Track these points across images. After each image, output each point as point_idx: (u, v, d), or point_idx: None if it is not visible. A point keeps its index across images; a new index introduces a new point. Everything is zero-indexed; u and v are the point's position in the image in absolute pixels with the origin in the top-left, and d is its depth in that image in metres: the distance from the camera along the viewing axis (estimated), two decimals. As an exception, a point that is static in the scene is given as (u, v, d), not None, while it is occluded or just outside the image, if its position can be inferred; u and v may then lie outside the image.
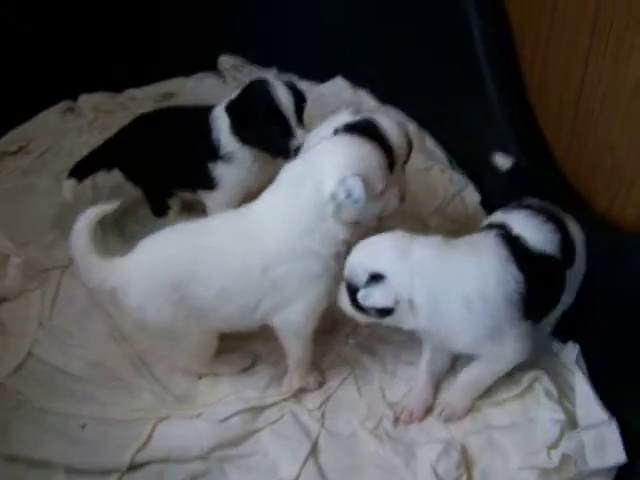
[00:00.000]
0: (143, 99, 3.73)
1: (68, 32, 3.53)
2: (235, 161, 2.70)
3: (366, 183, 2.01)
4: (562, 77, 2.58)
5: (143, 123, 2.94)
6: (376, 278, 1.98)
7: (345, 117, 2.42)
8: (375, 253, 2.03)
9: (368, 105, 3.57)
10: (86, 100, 3.68)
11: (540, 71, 2.73)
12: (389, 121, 2.40)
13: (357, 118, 2.41)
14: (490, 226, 2.20)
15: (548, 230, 2.14)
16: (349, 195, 2.00)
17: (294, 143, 2.53)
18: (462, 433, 2.24)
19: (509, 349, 2.11)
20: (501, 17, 2.95)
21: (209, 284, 2.14)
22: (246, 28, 3.72)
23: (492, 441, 2.21)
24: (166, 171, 2.85)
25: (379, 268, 1.99)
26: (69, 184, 2.90)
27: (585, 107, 2.46)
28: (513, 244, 2.08)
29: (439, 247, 2.05)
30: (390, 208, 2.18)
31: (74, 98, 3.71)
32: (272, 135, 2.56)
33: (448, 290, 2.00)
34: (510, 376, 2.29)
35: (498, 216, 2.24)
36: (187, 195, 2.95)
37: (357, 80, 3.68)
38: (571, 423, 2.18)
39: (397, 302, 1.98)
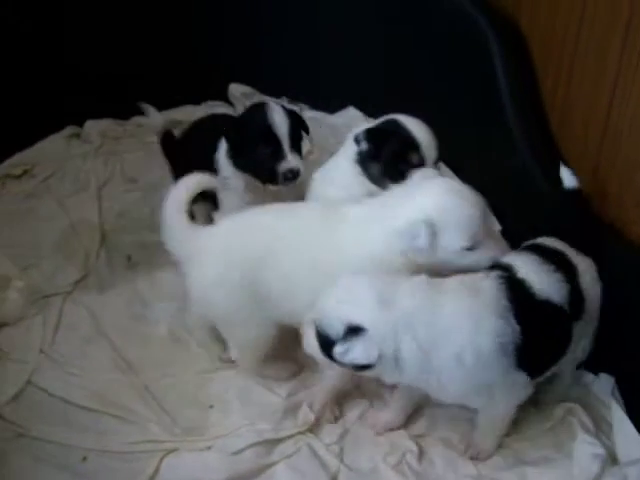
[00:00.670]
0: (150, 126, 3.64)
1: (77, 57, 3.48)
2: (229, 187, 2.63)
3: (443, 234, 1.96)
4: (587, 101, 2.52)
5: (192, 126, 2.96)
6: (355, 331, 1.80)
7: (365, 124, 2.45)
8: (353, 302, 1.83)
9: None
10: (93, 126, 3.61)
11: (563, 96, 2.68)
12: (413, 120, 2.38)
13: (378, 122, 2.43)
14: (494, 266, 2.04)
15: (557, 279, 1.98)
16: (413, 239, 1.94)
17: (283, 166, 2.46)
18: (492, 469, 2.11)
19: (499, 401, 1.98)
20: (521, 46, 2.93)
21: (280, 272, 2.11)
22: (257, 57, 3.68)
23: (526, 477, 2.07)
24: None
25: (358, 320, 1.80)
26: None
27: (613, 129, 2.39)
28: (515, 290, 1.93)
29: (427, 293, 1.87)
30: (478, 266, 2.02)
31: (80, 124, 3.64)
32: (262, 157, 2.48)
33: (438, 344, 1.83)
34: (540, 410, 2.20)
35: (507, 256, 2.09)
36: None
37: (370, 111, 3.61)
38: (611, 458, 2.05)
39: (380, 357, 1.81)
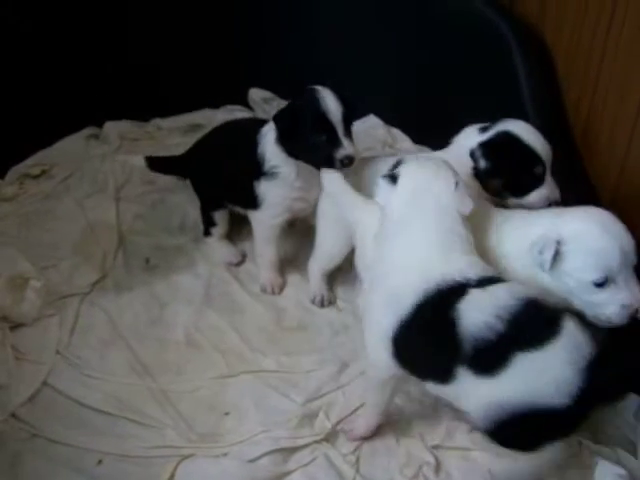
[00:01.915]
0: (170, 129, 3.66)
1: (98, 59, 3.47)
2: (278, 176, 2.61)
3: (571, 259, 1.92)
4: (613, 114, 2.50)
5: (209, 136, 2.97)
6: None
7: (474, 137, 2.37)
8: None
9: (402, 145, 3.48)
10: (112, 127, 3.59)
11: (587, 108, 2.66)
12: (524, 128, 2.33)
13: (490, 134, 2.35)
14: None
15: None
16: (540, 253, 1.95)
17: (340, 153, 2.44)
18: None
19: None
20: (545, 57, 2.91)
21: None
22: (277, 61, 3.65)
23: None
24: (219, 186, 2.84)
25: None
26: (141, 159, 3.08)
27: (638, 143, 2.37)
28: None
29: None
30: (601, 313, 1.94)
31: (99, 125, 3.63)
32: (318, 143, 2.46)
33: None
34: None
35: None
36: (240, 210, 2.88)
37: (390, 119, 3.60)
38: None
39: None
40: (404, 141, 3.51)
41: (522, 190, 2.34)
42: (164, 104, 3.68)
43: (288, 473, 2.15)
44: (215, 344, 2.57)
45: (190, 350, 2.56)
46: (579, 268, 1.90)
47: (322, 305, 2.74)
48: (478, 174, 2.34)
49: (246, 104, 3.78)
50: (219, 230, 2.93)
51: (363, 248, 2.30)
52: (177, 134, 3.62)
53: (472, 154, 2.33)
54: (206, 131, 3.16)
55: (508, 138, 2.32)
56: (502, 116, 2.80)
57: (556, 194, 2.32)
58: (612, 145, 2.49)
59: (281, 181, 2.61)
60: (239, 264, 2.92)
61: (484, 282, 1.82)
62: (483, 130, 2.39)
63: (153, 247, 2.99)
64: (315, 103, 2.45)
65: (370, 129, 3.52)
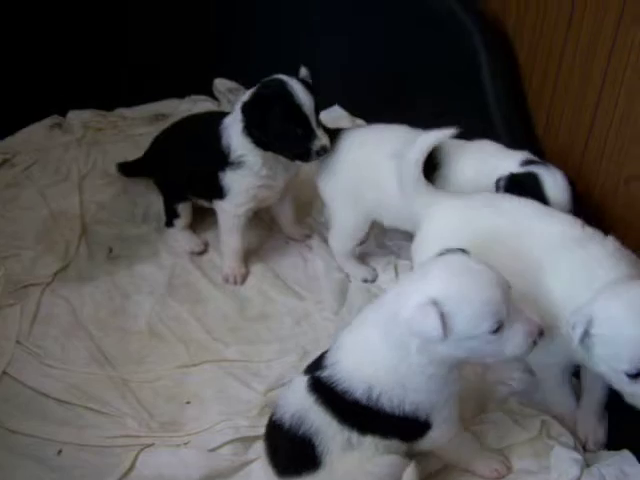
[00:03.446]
0: (134, 119, 3.63)
1: (61, 47, 3.42)
2: (244, 166, 2.62)
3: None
4: (574, 103, 2.55)
5: (167, 131, 2.97)
6: None
7: (512, 165, 2.36)
8: None
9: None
10: (75, 116, 3.56)
11: (550, 97, 2.70)
12: (555, 178, 2.29)
13: (523, 169, 2.34)
14: None
15: None
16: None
17: (316, 144, 2.48)
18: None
19: None
20: (507, 47, 2.95)
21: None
22: (243, 52, 3.64)
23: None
24: (182, 179, 2.84)
25: None
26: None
27: (599, 132, 2.42)
28: None
29: None
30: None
31: (63, 114, 3.59)
32: (292, 136, 2.48)
33: None
34: (518, 422, 2.18)
35: None
36: (204, 203, 2.89)
37: (354, 109, 3.60)
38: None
39: None
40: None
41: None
42: (128, 93, 3.65)
43: (249, 462, 2.16)
44: (177, 334, 2.57)
45: (152, 340, 2.56)
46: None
47: (371, 280, 2.78)
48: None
49: (211, 94, 3.76)
50: (182, 221, 2.93)
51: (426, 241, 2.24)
52: (142, 124, 3.59)
53: (497, 181, 2.35)
54: (171, 121, 3.16)
55: (532, 179, 2.31)
56: (465, 107, 2.84)
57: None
58: (574, 132, 2.53)
59: (247, 170, 2.62)
60: (202, 253, 2.91)
61: None
62: (525, 164, 2.38)
63: (116, 237, 2.97)
64: (287, 95, 2.45)
65: (335, 120, 3.52)
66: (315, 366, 1.92)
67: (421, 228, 2.25)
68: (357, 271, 2.79)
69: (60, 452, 2.19)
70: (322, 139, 2.48)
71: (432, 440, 1.90)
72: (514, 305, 1.74)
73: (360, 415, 1.83)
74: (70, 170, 3.28)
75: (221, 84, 3.73)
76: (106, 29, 3.47)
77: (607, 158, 2.35)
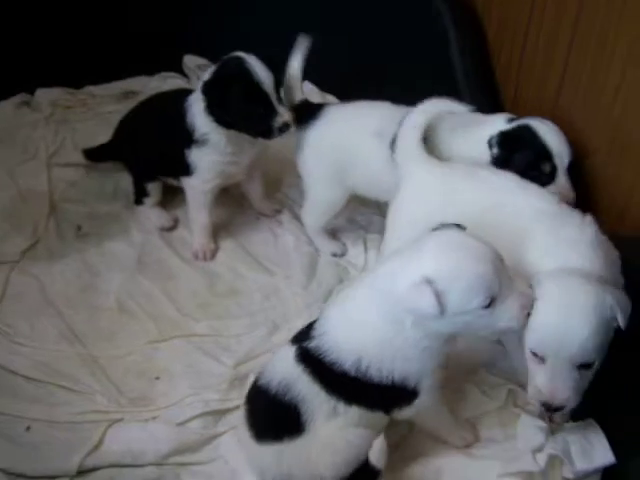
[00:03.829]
0: (103, 96, 3.60)
1: (28, 25, 3.40)
2: (208, 143, 2.62)
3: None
4: (539, 79, 2.59)
5: (134, 110, 2.95)
6: None
7: (500, 124, 2.36)
8: None
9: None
10: (43, 94, 3.52)
11: (516, 73, 2.74)
12: (547, 126, 2.30)
13: (512, 125, 2.34)
14: None
15: None
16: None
17: (278, 121, 2.48)
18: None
19: None
20: (476, 23, 2.96)
21: None
22: (212, 28, 3.62)
23: (472, 455, 2.06)
24: (150, 158, 2.83)
25: None
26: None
27: (562, 108, 2.45)
28: None
29: None
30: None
31: (31, 92, 3.56)
32: (254, 114, 2.48)
33: None
34: (485, 392, 2.22)
35: None
36: (173, 182, 2.89)
37: (325, 85, 3.60)
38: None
39: None
40: (338, 106, 3.50)
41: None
42: (98, 71, 3.61)
43: (218, 435, 2.17)
44: (147, 310, 2.57)
45: (122, 316, 2.55)
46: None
47: (340, 255, 2.80)
48: (493, 161, 2.34)
49: (181, 71, 3.74)
50: (152, 200, 2.93)
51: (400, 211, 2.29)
52: (111, 101, 3.56)
53: (489, 140, 2.34)
54: (141, 98, 3.14)
55: (525, 131, 2.32)
56: (434, 83, 2.84)
57: (567, 197, 2.24)
58: (540, 104, 2.55)
59: (212, 148, 2.63)
60: (172, 229, 2.91)
61: None
62: (511, 120, 2.39)
63: (86, 214, 2.96)
64: (246, 74, 2.45)
65: (305, 95, 3.51)
66: (303, 336, 1.94)
67: (399, 193, 2.28)
68: (327, 246, 2.79)
69: (29, 428, 2.18)
70: (284, 115, 2.49)
71: (417, 407, 1.92)
72: (507, 278, 1.76)
73: (348, 386, 1.85)
74: (38, 149, 3.24)
75: (190, 61, 3.71)
76: (74, 6, 3.43)
77: (574, 130, 2.36)
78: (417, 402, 1.91)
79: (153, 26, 3.56)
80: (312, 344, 1.88)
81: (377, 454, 1.87)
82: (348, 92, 3.47)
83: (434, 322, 1.73)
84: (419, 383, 1.87)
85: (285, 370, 1.90)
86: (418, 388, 1.88)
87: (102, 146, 3.08)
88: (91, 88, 3.65)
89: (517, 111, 2.68)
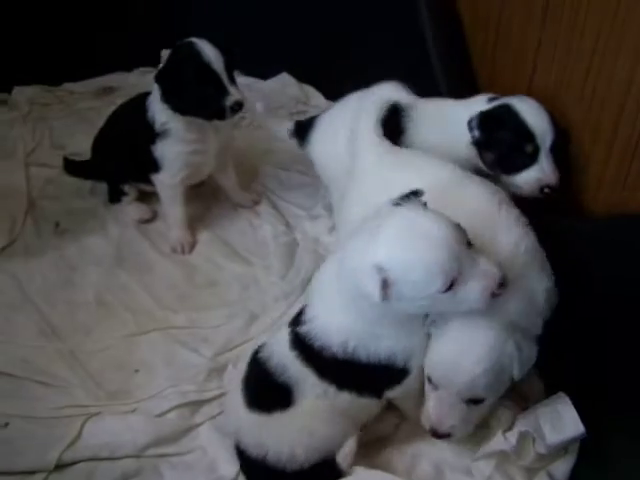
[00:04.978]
0: (82, 93, 3.61)
1: (3, 22, 3.41)
2: (170, 133, 2.63)
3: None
4: (513, 61, 2.56)
5: (106, 120, 2.93)
6: None
7: (480, 104, 2.29)
8: None
9: (316, 101, 3.48)
10: (21, 92, 3.53)
11: (491, 55, 2.72)
12: (528, 105, 2.21)
13: (493, 105, 2.26)
14: None
15: None
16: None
17: (230, 100, 2.48)
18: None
19: None
20: (451, 13, 2.94)
21: None
22: (189, 23, 3.60)
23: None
24: (121, 161, 2.84)
25: None
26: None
27: (537, 89, 2.42)
28: None
29: None
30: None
31: (8, 90, 3.56)
32: (205, 95, 2.48)
33: None
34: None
35: None
36: (146, 187, 2.90)
37: (303, 76, 3.59)
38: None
39: None
40: (317, 98, 3.52)
41: (512, 167, 2.23)
42: (75, 68, 3.62)
43: (196, 426, 2.16)
44: (125, 304, 2.56)
45: (100, 311, 2.54)
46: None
47: None
48: (474, 142, 2.28)
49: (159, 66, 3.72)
50: (129, 197, 2.94)
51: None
52: (89, 98, 3.58)
53: (469, 122, 2.26)
54: (119, 94, 3.15)
55: (505, 110, 2.23)
56: (410, 65, 2.83)
57: (551, 179, 2.19)
58: (515, 84, 2.52)
59: (173, 137, 2.63)
60: (150, 221, 2.91)
61: None
62: (492, 100, 2.32)
63: (63, 211, 2.95)
64: (195, 55, 2.45)
65: (283, 87, 3.52)
66: (296, 321, 1.95)
67: (353, 182, 2.26)
68: None
69: (6, 425, 2.16)
70: (235, 95, 2.48)
71: (407, 386, 1.92)
72: (469, 258, 1.69)
73: (339, 370, 1.86)
74: (16, 147, 3.24)
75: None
76: (51, 3, 3.43)
77: (549, 106, 2.35)
78: (407, 381, 1.91)
79: (131, 21, 3.56)
80: (303, 329, 1.89)
81: (345, 454, 1.90)
82: (325, 83, 3.51)
83: (389, 305, 1.70)
84: (408, 362, 1.87)
85: (281, 353, 1.91)
86: (408, 367, 1.88)
87: (82, 163, 3.05)
88: (69, 85, 3.66)
89: (492, 88, 2.69)
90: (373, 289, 1.65)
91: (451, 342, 1.77)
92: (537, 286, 1.86)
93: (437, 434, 1.85)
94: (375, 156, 2.22)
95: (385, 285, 1.64)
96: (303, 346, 1.88)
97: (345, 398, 1.89)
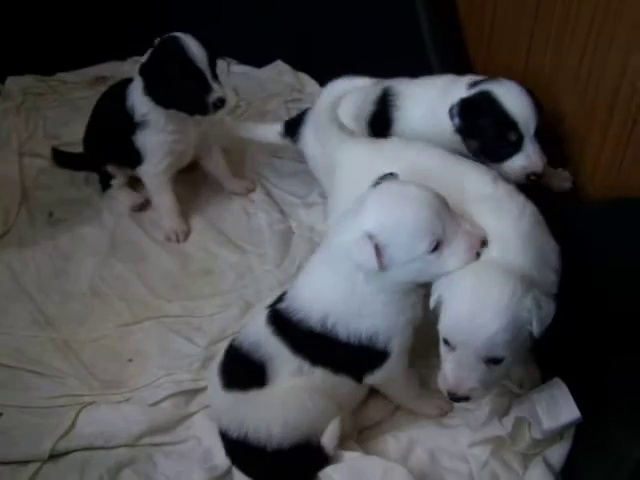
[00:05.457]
0: (75, 83, 3.58)
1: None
2: (150, 124, 2.64)
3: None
4: (508, 46, 2.58)
5: (91, 116, 2.93)
6: None
7: (460, 91, 2.24)
8: None
9: (311, 89, 3.46)
10: (14, 82, 3.51)
11: (487, 41, 2.72)
12: (510, 90, 2.15)
13: (473, 91, 2.21)
14: None
15: None
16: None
17: (213, 96, 2.49)
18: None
19: None
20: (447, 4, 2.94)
21: None
22: (183, 10, 3.59)
23: (442, 423, 2.07)
24: (104, 147, 2.85)
25: None
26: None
27: (532, 74, 2.42)
28: None
29: None
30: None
31: (1, 80, 3.54)
32: (188, 90, 2.49)
33: None
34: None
35: None
36: (134, 173, 2.87)
37: (297, 64, 3.58)
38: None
39: None
40: (312, 85, 3.49)
41: (497, 156, 2.19)
42: (69, 57, 3.59)
43: (190, 415, 2.15)
44: (119, 293, 2.56)
45: (94, 300, 2.54)
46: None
47: None
48: (457, 130, 2.24)
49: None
50: (118, 181, 2.92)
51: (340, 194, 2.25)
52: (82, 87, 3.55)
53: (450, 110, 2.21)
54: (112, 83, 3.10)
55: (486, 98, 2.17)
56: (404, 54, 2.82)
57: (537, 165, 2.15)
58: (510, 70, 2.51)
59: (154, 128, 2.64)
60: (143, 208, 2.89)
61: None
62: (472, 85, 2.26)
63: (57, 201, 2.94)
64: (180, 51, 2.46)
65: (278, 75, 3.51)
66: (276, 301, 1.98)
67: (336, 174, 2.27)
68: None
69: (1, 415, 2.16)
70: (218, 91, 2.50)
71: (388, 371, 1.93)
72: (452, 221, 1.77)
73: (314, 345, 1.88)
74: (9, 137, 3.23)
75: (162, 44, 3.67)
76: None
77: (543, 94, 2.33)
78: (388, 365, 1.91)
79: (124, 10, 3.53)
80: (282, 305, 1.93)
81: (329, 436, 1.90)
82: (320, 71, 3.48)
83: (383, 274, 1.75)
84: (389, 343, 1.88)
85: (256, 331, 1.94)
86: (389, 349, 1.89)
87: (71, 154, 3.06)
88: (63, 74, 3.63)
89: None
90: (369, 257, 1.71)
91: (467, 300, 1.74)
92: (546, 244, 1.88)
93: (455, 397, 1.79)
94: (345, 151, 2.26)
95: (378, 252, 1.70)
96: (280, 321, 1.91)
97: (320, 376, 1.90)
